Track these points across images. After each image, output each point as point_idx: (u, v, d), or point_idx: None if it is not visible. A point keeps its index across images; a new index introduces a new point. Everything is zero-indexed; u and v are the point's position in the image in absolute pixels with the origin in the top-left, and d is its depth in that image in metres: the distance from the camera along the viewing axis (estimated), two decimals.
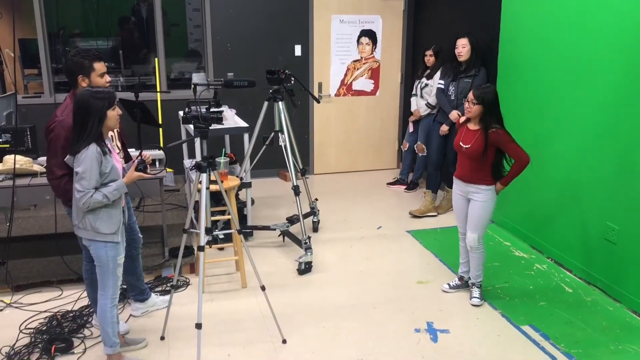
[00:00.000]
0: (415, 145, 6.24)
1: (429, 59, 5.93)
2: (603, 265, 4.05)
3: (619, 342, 3.45)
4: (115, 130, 3.28)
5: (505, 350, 3.38)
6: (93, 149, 2.76)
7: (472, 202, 3.78)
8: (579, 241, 4.27)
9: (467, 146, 3.68)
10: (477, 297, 3.91)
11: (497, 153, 3.65)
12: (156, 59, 6.32)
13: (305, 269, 4.38)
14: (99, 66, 3.15)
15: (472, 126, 3.72)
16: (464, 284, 4.09)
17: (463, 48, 5.15)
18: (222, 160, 4.18)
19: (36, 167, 3.96)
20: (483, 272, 3.95)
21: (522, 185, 4.64)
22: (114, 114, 2.85)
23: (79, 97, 2.79)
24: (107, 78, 3.22)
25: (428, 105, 5.90)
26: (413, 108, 6.21)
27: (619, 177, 3.86)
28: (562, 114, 4.37)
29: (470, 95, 3.64)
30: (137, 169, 2.93)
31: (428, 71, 5.98)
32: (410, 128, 6.31)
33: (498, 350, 3.38)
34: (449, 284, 4.12)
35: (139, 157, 2.96)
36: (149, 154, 3.08)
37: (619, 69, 3.81)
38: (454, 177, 3.90)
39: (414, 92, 6.23)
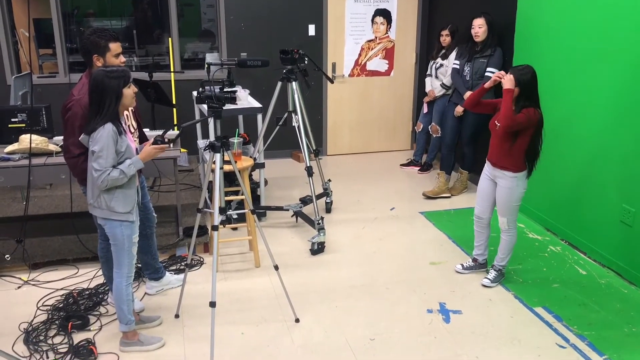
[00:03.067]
0: (429, 126, 6.20)
1: (445, 39, 5.86)
2: (618, 248, 4.02)
3: (632, 324, 3.44)
4: (130, 110, 3.29)
5: (518, 331, 3.38)
6: (109, 127, 2.77)
7: (498, 186, 3.74)
8: (594, 223, 4.24)
9: (500, 124, 3.59)
10: (489, 279, 3.90)
11: (532, 140, 3.55)
12: (170, 39, 6.31)
13: (318, 249, 4.39)
14: (115, 46, 3.16)
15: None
16: (477, 265, 4.08)
17: (480, 29, 5.08)
18: (235, 140, 4.18)
19: (52, 147, 3.99)
20: (508, 258, 3.89)
21: (537, 167, 4.59)
22: (129, 92, 2.85)
23: (94, 76, 2.79)
24: (122, 58, 3.23)
25: (443, 85, 5.84)
26: (428, 88, 6.16)
27: (636, 160, 3.81)
28: (579, 96, 4.31)
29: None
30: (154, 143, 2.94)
31: (443, 51, 5.92)
32: (425, 109, 6.27)
33: (511, 331, 3.38)
34: (462, 265, 4.11)
35: (159, 136, 2.96)
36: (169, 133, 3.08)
37: (637, 51, 3.73)
38: (486, 159, 3.82)
39: (428, 72, 6.18)
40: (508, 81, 3.47)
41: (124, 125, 2.93)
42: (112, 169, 2.79)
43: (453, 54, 5.70)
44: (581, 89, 4.28)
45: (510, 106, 3.48)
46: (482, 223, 3.95)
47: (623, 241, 3.97)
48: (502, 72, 3.64)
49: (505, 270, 3.96)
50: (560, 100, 4.50)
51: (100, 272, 3.98)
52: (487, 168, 3.82)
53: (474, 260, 4.10)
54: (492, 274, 3.92)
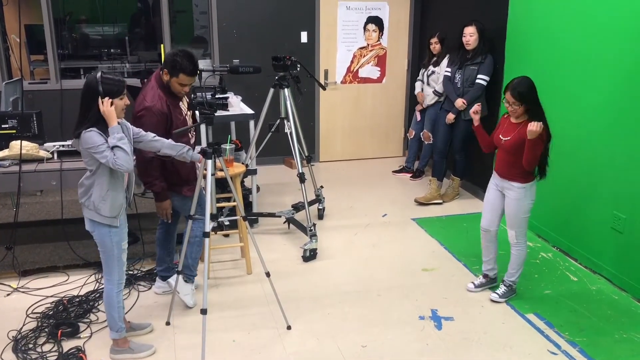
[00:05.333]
0: (421, 133, 6.22)
1: (435, 46, 5.89)
2: (609, 254, 4.04)
3: (624, 330, 3.45)
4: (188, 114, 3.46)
5: (510, 338, 3.38)
6: (93, 130, 2.77)
7: (507, 198, 3.61)
8: (585, 230, 4.25)
9: (506, 138, 3.51)
10: (498, 294, 3.76)
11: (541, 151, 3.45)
12: (162, 46, 6.30)
13: (310, 256, 4.38)
14: (183, 78, 3.25)
15: (515, 120, 3.52)
16: (489, 282, 3.92)
17: (471, 37, 5.12)
18: (227, 146, 4.18)
19: (42, 153, 3.96)
20: (519, 274, 3.75)
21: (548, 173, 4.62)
22: (120, 104, 2.84)
23: (88, 81, 2.81)
24: (186, 89, 3.33)
25: (435, 92, 5.86)
26: (417, 91, 6.18)
27: (627, 166, 3.83)
28: (570, 102, 4.34)
29: (508, 96, 3.39)
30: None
31: (435, 59, 5.95)
32: (418, 117, 6.28)
33: (502, 337, 3.38)
34: (473, 283, 3.93)
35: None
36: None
37: (629, 58, 3.76)
38: (493, 171, 3.72)
39: (419, 77, 6.20)
40: (532, 132, 3.27)
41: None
42: (110, 151, 2.78)
43: (445, 61, 5.73)
44: (573, 95, 4.31)
45: (536, 152, 3.37)
46: (490, 236, 3.80)
47: (614, 248, 3.99)
48: (476, 107, 3.70)
49: (516, 286, 3.81)
50: (552, 106, 4.50)
51: (91, 279, 3.98)
52: (495, 179, 3.71)
53: (485, 276, 3.93)
54: (502, 289, 3.78)
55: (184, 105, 3.45)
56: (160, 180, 3.35)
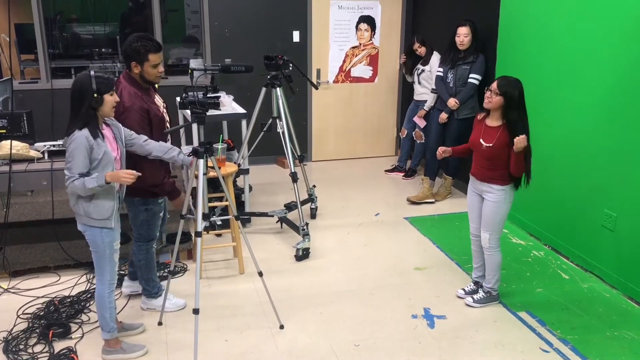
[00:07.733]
0: (413, 132, 6.22)
1: (420, 50, 5.91)
2: (600, 252, 4.06)
3: (615, 328, 3.47)
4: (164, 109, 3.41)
5: (502, 336, 3.39)
6: (83, 133, 2.75)
7: (485, 201, 3.51)
8: (577, 228, 4.27)
9: (488, 145, 3.38)
10: (472, 298, 3.71)
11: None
12: None
13: (302, 255, 4.38)
14: (154, 58, 3.20)
15: (491, 122, 3.41)
16: (480, 288, 3.84)
17: (465, 37, 5.12)
18: (219, 146, 4.17)
19: (33, 153, 3.93)
20: (496, 279, 3.66)
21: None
22: (111, 100, 2.84)
23: (78, 79, 2.80)
24: (160, 69, 3.28)
25: (434, 91, 5.81)
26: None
27: (617, 165, 3.85)
28: (561, 101, 4.36)
29: (494, 85, 3.31)
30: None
31: (422, 60, 5.97)
32: (421, 123, 6.15)
33: (495, 336, 3.39)
34: (464, 289, 3.84)
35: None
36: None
37: (619, 57, 3.78)
38: (470, 174, 3.63)
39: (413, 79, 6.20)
40: (520, 144, 3.21)
41: (106, 131, 2.91)
42: (77, 178, 2.75)
43: (434, 58, 5.75)
44: (564, 94, 4.33)
45: (523, 161, 3.31)
46: (479, 242, 3.68)
47: (605, 246, 4.01)
48: (445, 150, 3.61)
49: (496, 293, 3.73)
50: (541, 105, 4.54)
51: (82, 280, 3.96)
52: (473, 183, 3.61)
53: (476, 283, 3.83)
54: (479, 294, 3.73)
55: (159, 101, 3.41)
56: (167, 179, 3.33)
